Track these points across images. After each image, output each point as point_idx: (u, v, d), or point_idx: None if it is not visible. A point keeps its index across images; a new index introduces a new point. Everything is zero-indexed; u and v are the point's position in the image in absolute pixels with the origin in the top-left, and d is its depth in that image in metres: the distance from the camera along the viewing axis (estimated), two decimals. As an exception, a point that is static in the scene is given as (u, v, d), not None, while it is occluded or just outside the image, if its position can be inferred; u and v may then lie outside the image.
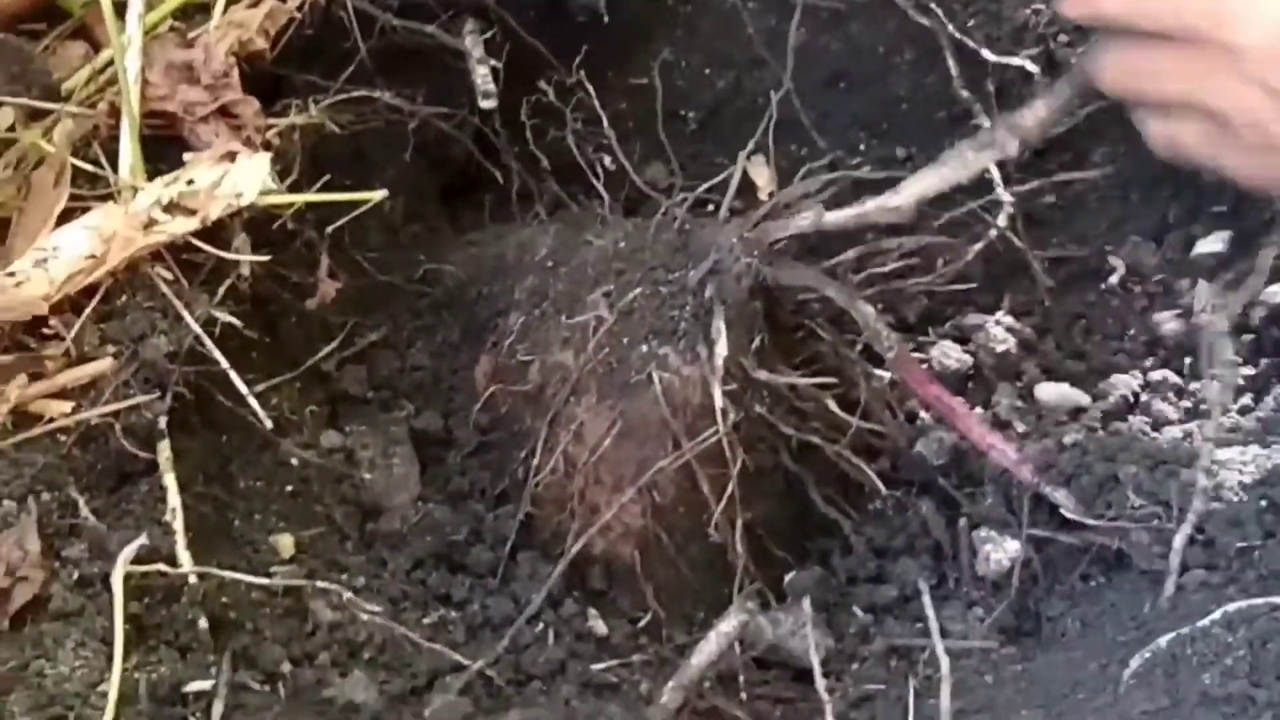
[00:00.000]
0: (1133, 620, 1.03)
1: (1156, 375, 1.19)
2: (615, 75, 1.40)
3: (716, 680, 1.09)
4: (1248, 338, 1.17)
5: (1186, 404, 1.16)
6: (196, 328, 1.07)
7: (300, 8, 1.24)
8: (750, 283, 1.15)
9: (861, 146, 1.37)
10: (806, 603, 1.11)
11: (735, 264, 1.15)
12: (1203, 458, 1.04)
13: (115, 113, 1.15)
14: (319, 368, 1.23)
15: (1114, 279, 1.26)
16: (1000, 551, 1.09)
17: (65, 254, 1.06)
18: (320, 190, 1.19)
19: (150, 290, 1.09)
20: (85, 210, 1.11)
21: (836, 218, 1.14)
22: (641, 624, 1.17)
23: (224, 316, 1.10)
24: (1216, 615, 0.97)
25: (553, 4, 1.38)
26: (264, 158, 1.13)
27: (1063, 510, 1.06)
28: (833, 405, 1.16)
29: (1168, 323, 1.21)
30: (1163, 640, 0.98)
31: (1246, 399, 1.13)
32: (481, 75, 1.32)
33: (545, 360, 1.18)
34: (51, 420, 1.02)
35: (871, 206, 1.12)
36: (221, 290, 1.10)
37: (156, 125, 1.16)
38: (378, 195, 1.18)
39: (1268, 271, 1.11)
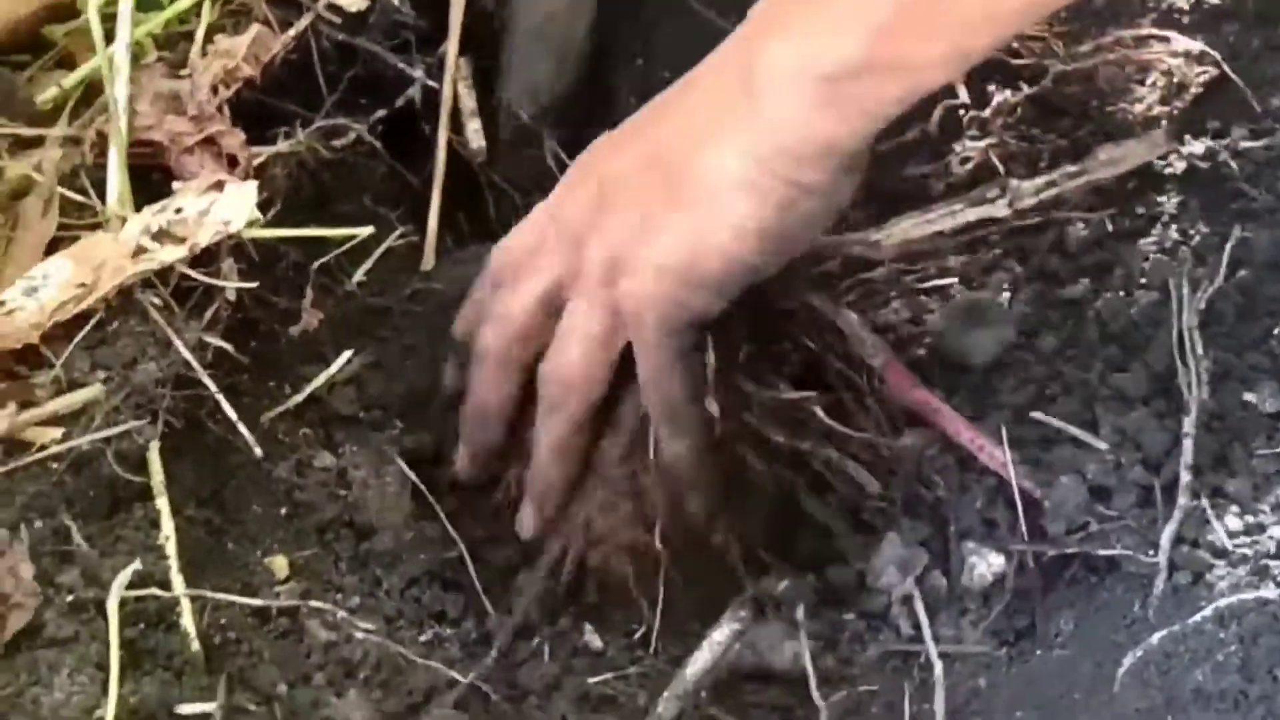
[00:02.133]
0: (1125, 619, 1.03)
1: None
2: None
3: (713, 689, 1.09)
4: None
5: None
6: (186, 353, 1.08)
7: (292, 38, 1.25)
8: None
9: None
10: (800, 611, 1.11)
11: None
12: (1184, 453, 1.04)
13: (103, 142, 1.16)
14: (309, 388, 1.23)
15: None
16: (984, 565, 1.09)
17: (55, 281, 1.07)
18: (307, 217, 1.20)
19: (141, 316, 1.09)
20: (74, 240, 1.12)
21: (819, 241, 1.14)
22: (637, 636, 1.17)
23: (215, 341, 1.11)
24: (1208, 612, 0.98)
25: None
26: (251, 186, 1.13)
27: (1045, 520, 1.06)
28: (821, 414, 1.16)
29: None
30: (1155, 638, 0.98)
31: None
32: (473, 130, 1.33)
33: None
34: (43, 448, 1.03)
35: (853, 238, 1.13)
36: (209, 315, 1.11)
37: (143, 155, 1.17)
38: (363, 232, 1.20)
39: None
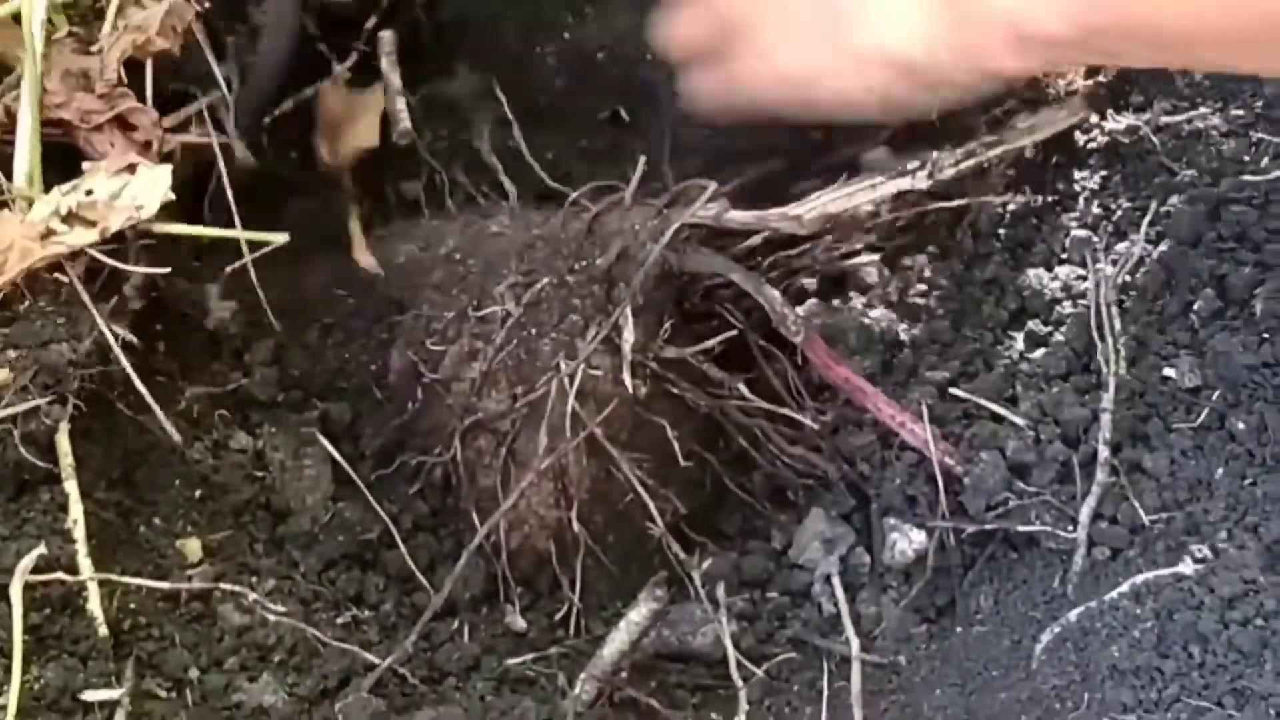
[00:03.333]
0: (1044, 595, 1.03)
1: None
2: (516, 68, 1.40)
3: (633, 670, 1.08)
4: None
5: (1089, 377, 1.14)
6: (106, 330, 1.06)
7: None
8: (657, 270, 1.14)
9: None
10: (721, 590, 1.10)
11: (641, 251, 1.14)
12: (1103, 428, 1.04)
13: (10, 119, 1.14)
14: (227, 370, 1.21)
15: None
16: (905, 541, 1.09)
17: (-38, 264, 1.05)
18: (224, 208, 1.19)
19: (51, 295, 1.07)
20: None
21: (739, 216, 1.13)
22: (558, 617, 1.16)
23: (124, 333, 1.09)
24: (1124, 588, 0.98)
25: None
26: (165, 170, 1.11)
27: (966, 496, 1.06)
28: (745, 391, 1.15)
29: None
30: (1072, 614, 0.98)
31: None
32: (399, 109, 1.31)
33: (455, 354, 1.17)
34: (-54, 430, 1.01)
35: (774, 214, 1.12)
36: (117, 298, 1.09)
37: (52, 133, 1.14)
38: (278, 238, 1.18)
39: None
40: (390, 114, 1.33)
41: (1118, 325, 1.08)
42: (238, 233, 1.17)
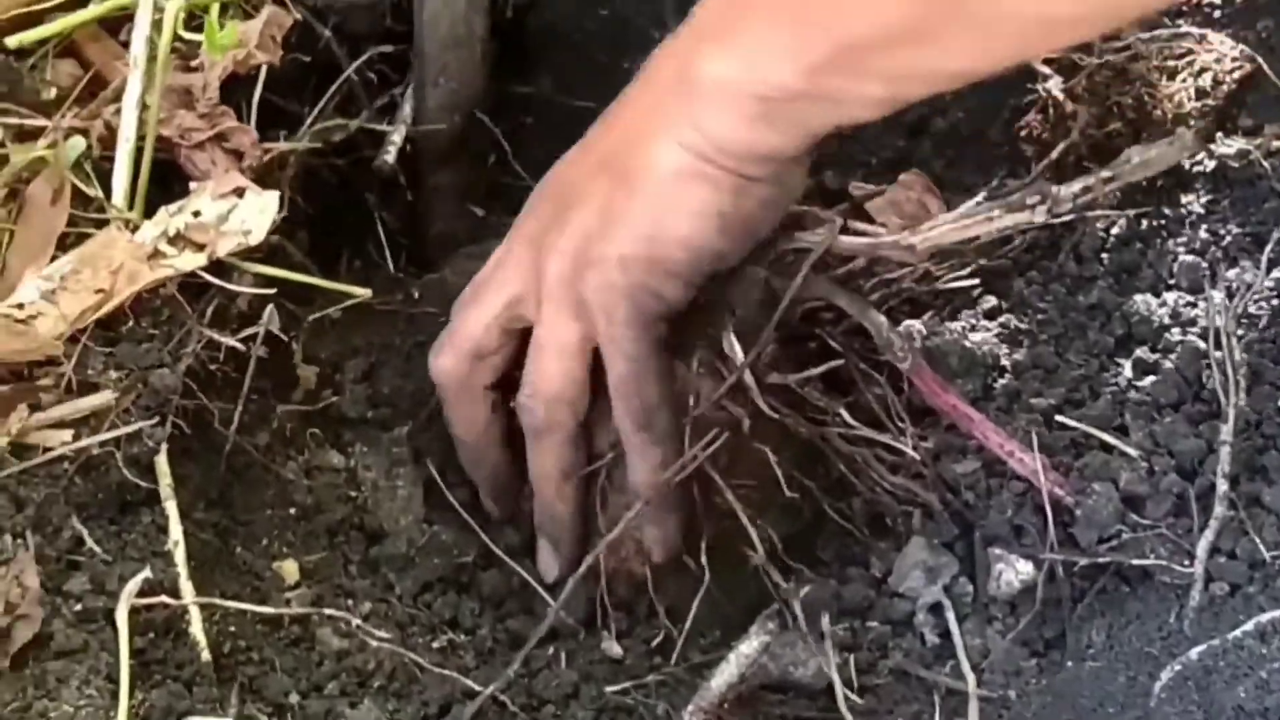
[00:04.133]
0: (1160, 631, 1.00)
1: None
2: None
3: (735, 700, 1.07)
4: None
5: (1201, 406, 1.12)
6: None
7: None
8: (759, 294, 1.13)
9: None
10: (825, 620, 1.09)
11: (744, 274, 1.12)
12: (1222, 461, 1.02)
13: (111, 135, 1.13)
14: (319, 390, 1.21)
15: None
16: (1012, 572, 1.07)
17: (72, 286, 1.04)
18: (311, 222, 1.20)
19: (154, 316, 1.07)
20: (78, 232, 1.09)
21: (849, 242, 1.12)
22: (655, 644, 1.14)
23: (228, 341, 1.08)
24: (1249, 626, 0.95)
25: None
26: (272, 196, 1.11)
27: (1077, 527, 1.04)
28: (846, 416, 1.14)
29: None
30: (1193, 652, 0.96)
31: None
32: (393, 143, 1.30)
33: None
34: (50, 450, 1.00)
35: (887, 241, 1.10)
36: (220, 320, 1.09)
37: (153, 150, 1.14)
38: (362, 293, 1.18)
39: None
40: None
41: (1237, 354, 1.06)
42: (322, 282, 1.18)
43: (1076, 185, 1.10)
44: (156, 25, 1.14)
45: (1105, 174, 1.12)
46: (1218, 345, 1.09)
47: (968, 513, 1.12)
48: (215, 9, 1.14)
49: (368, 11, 1.29)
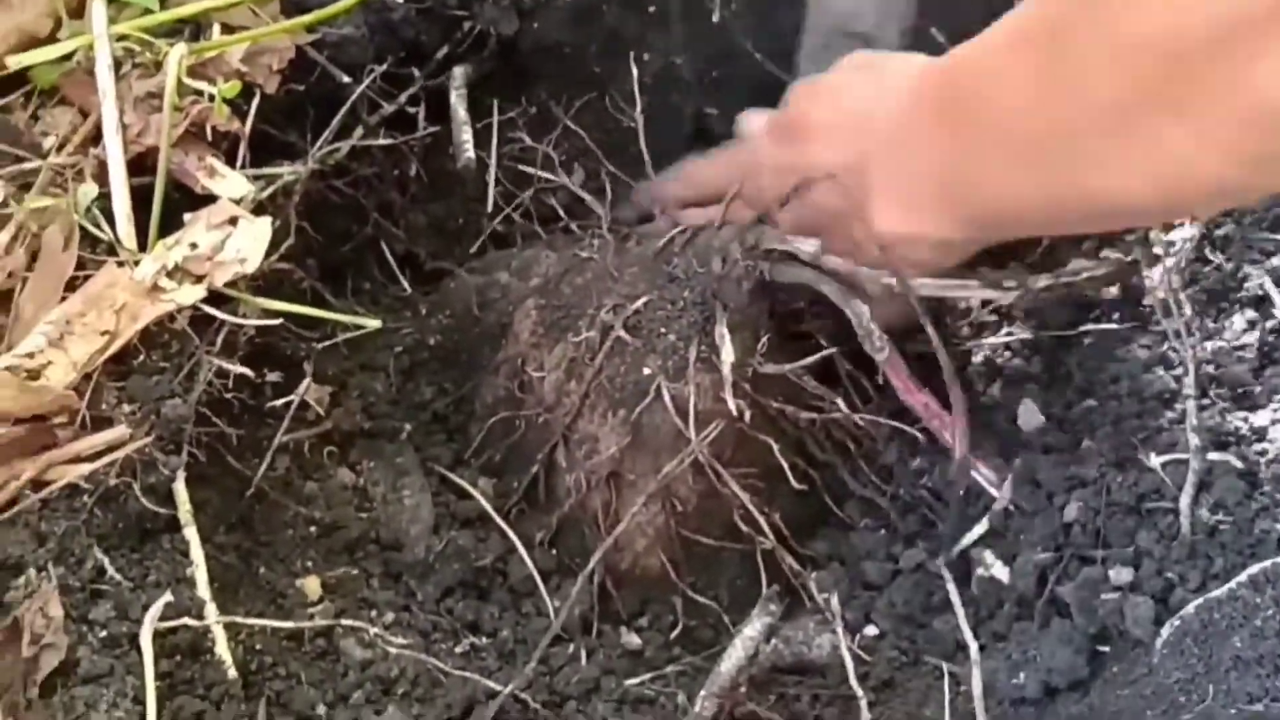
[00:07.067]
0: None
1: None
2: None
3: (751, 685, 1.09)
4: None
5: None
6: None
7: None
8: (751, 286, 1.15)
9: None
10: (834, 600, 1.10)
11: (735, 268, 1.14)
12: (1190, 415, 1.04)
13: (103, 170, 1.15)
14: (328, 408, 1.23)
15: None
16: (998, 566, 1.09)
17: (80, 331, 1.07)
18: (316, 247, 1.23)
19: (162, 349, 1.10)
20: (85, 273, 1.12)
21: (834, 262, 1.13)
22: (674, 634, 1.17)
23: (236, 368, 1.11)
24: (1242, 577, 0.97)
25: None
26: (264, 223, 1.13)
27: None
28: (842, 405, 1.15)
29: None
30: (1190, 607, 0.97)
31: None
32: (464, 140, 1.34)
33: (554, 379, 1.18)
34: (70, 485, 1.03)
35: (867, 273, 1.12)
36: (228, 347, 1.11)
37: (140, 159, 1.15)
38: (372, 324, 1.21)
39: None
40: (456, 144, 1.37)
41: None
42: (331, 314, 1.21)
43: (1046, 279, 1.12)
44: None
45: (1062, 280, 1.13)
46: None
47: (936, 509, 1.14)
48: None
49: (358, 44, 1.31)
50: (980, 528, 1.09)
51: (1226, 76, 0.80)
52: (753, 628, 1.04)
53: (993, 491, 1.09)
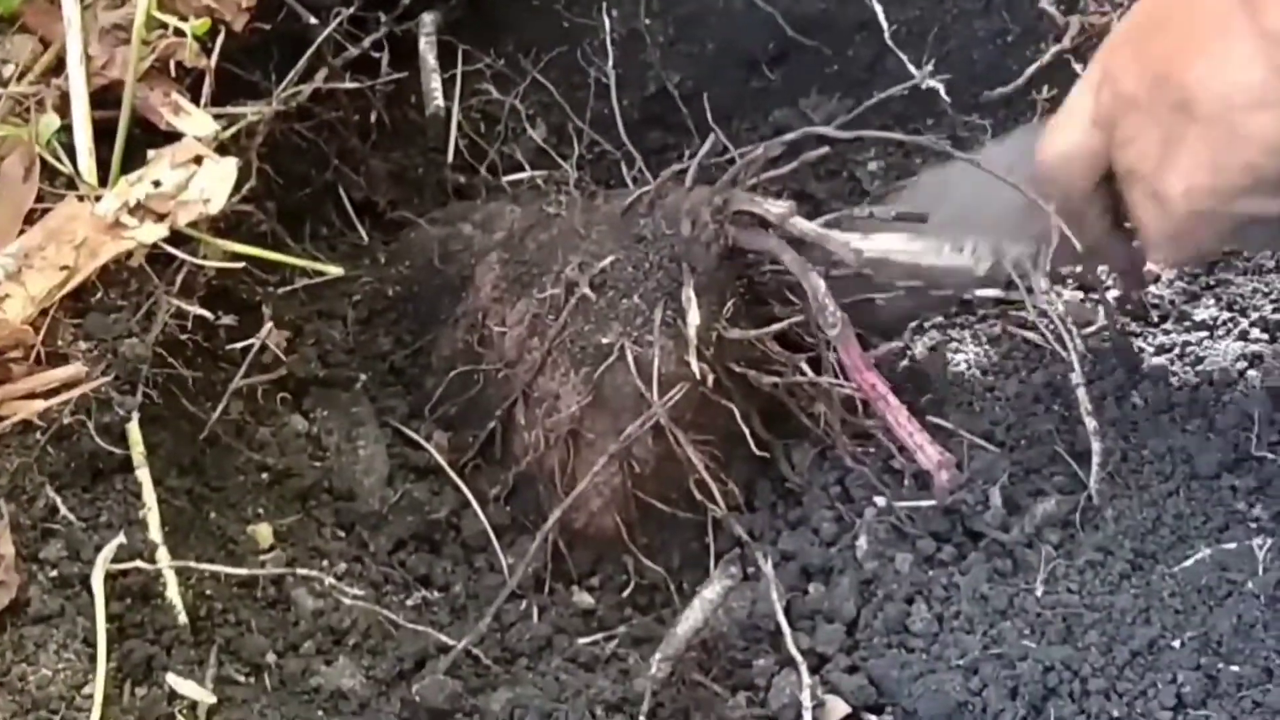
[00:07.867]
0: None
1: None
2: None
3: (700, 646, 1.08)
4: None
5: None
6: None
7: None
8: (719, 249, 1.14)
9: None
10: (769, 565, 1.10)
11: (704, 230, 1.14)
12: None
13: (66, 101, 1.13)
14: (282, 355, 1.21)
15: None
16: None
17: (39, 265, 1.04)
18: (277, 190, 1.22)
19: (121, 287, 1.08)
20: (44, 206, 1.09)
21: (802, 225, 1.12)
22: (627, 594, 1.17)
23: (195, 309, 1.09)
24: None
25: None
26: (230, 163, 1.11)
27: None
28: (806, 369, 1.15)
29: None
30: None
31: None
32: (433, 88, 1.32)
33: (515, 335, 1.17)
34: (24, 421, 1.01)
35: (836, 237, 1.11)
36: (186, 289, 1.09)
37: (105, 93, 1.13)
38: (334, 271, 1.20)
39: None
40: (425, 92, 1.35)
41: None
42: (295, 260, 1.20)
43: (1028, 250, 1.11)
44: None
45: None
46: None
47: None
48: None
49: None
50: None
51: None
52: (712, 590, 1.04)
53: (936, 479, 1.10)
